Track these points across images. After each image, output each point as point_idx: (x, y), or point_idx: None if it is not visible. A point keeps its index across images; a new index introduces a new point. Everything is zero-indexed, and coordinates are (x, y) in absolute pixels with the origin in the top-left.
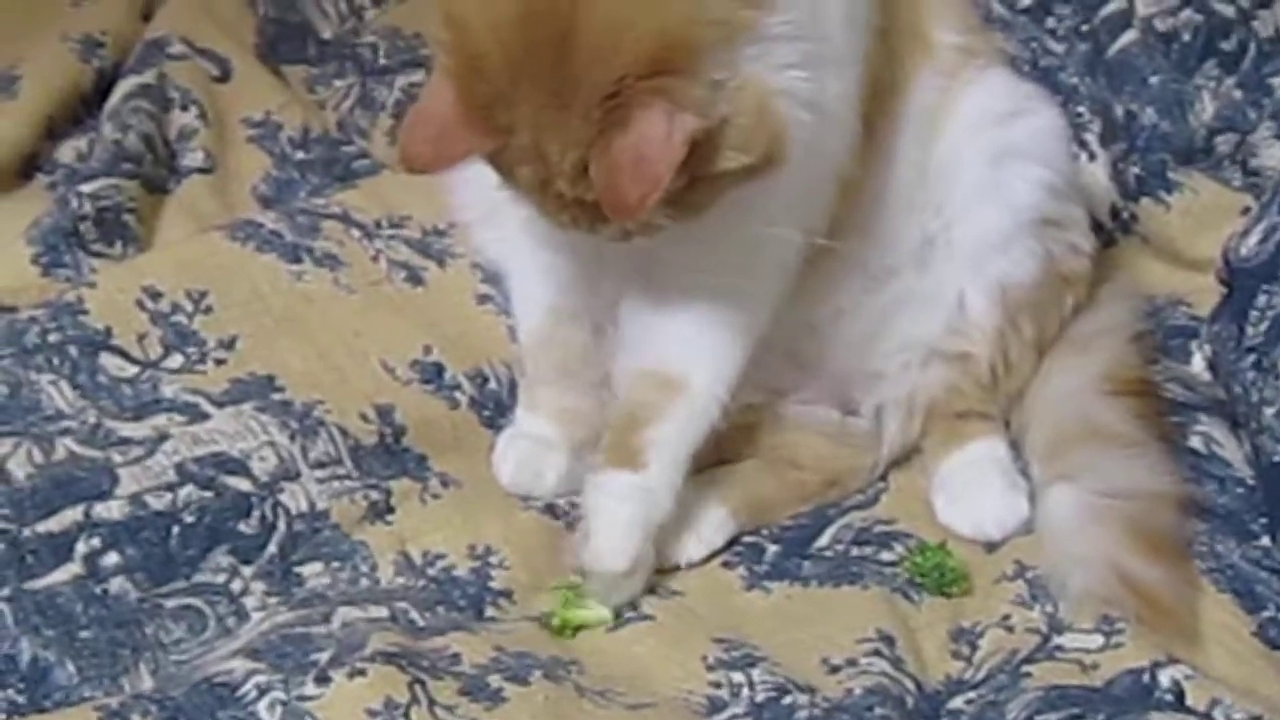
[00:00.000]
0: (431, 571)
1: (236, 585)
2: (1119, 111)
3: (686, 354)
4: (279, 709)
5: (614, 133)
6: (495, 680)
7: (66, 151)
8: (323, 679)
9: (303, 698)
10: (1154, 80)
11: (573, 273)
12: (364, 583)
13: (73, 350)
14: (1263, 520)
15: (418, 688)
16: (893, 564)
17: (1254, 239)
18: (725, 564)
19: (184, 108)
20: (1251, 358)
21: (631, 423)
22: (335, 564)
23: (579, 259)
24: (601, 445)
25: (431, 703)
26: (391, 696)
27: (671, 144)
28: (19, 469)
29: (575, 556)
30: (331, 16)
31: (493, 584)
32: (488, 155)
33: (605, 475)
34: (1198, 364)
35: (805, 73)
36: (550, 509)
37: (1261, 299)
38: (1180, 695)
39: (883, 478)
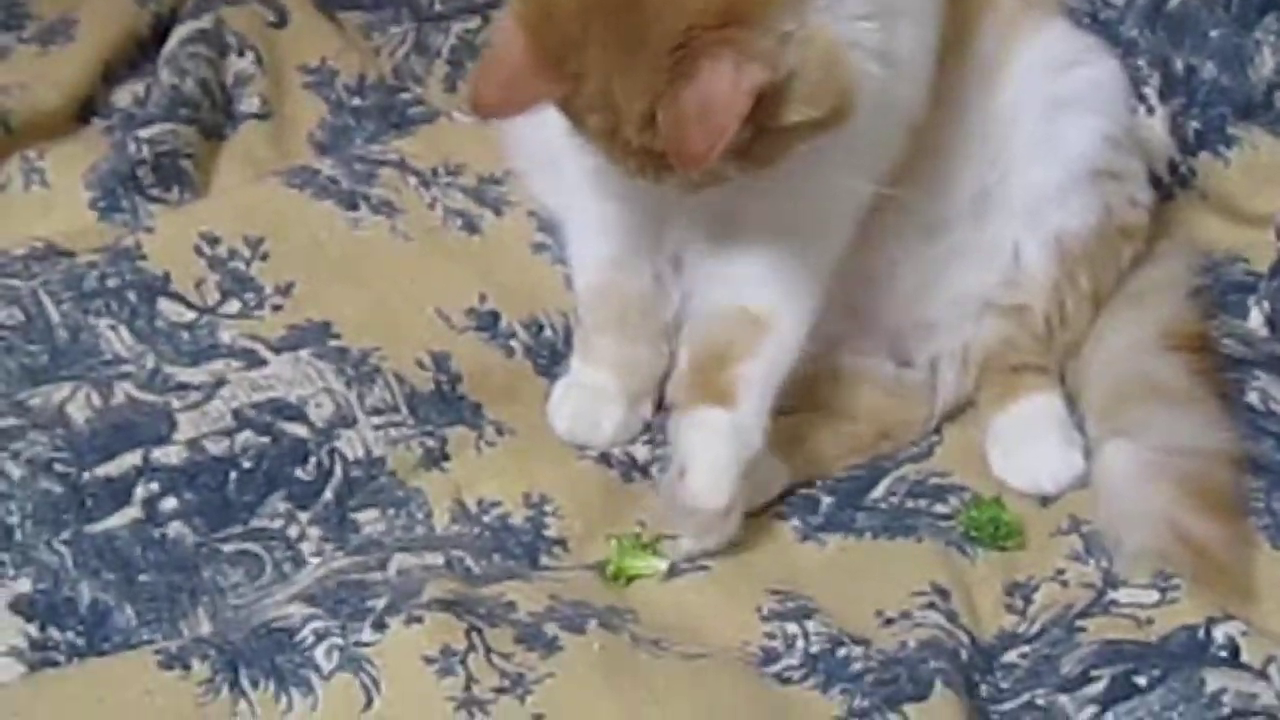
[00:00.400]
0: (486, 519)
1: (293, 531)
2: (1178, 65)
3: (769, 292)
4: (336, 654)
5: (681, 83)
6: (551, 629)
7: (123, 96)
8: (379, 625)
9: (360, 644)
10: (1214, 34)
11: (632, 223)
12: (419, 530)
13: (131, 295)
14: None
15: (474, 635)
16: (947, 517)
17: None
18: (780, 515)
19: (240, 53)
20: None
21: (719, 360)
22: (391, 511)
23: (640, 209)
24: (685, 383)
25: (488, 650)
26: (449, 644)
27: (738, 95)
28: (78, 413)
29: (665, 499)
30: None
31: (548, 532)
32: (558, 102)
33: (698, 413)
34: (1255, 320)
35: (876, 24)
36: (605, 458)
37: None
38: (1235, 651)
39: (937, 430)
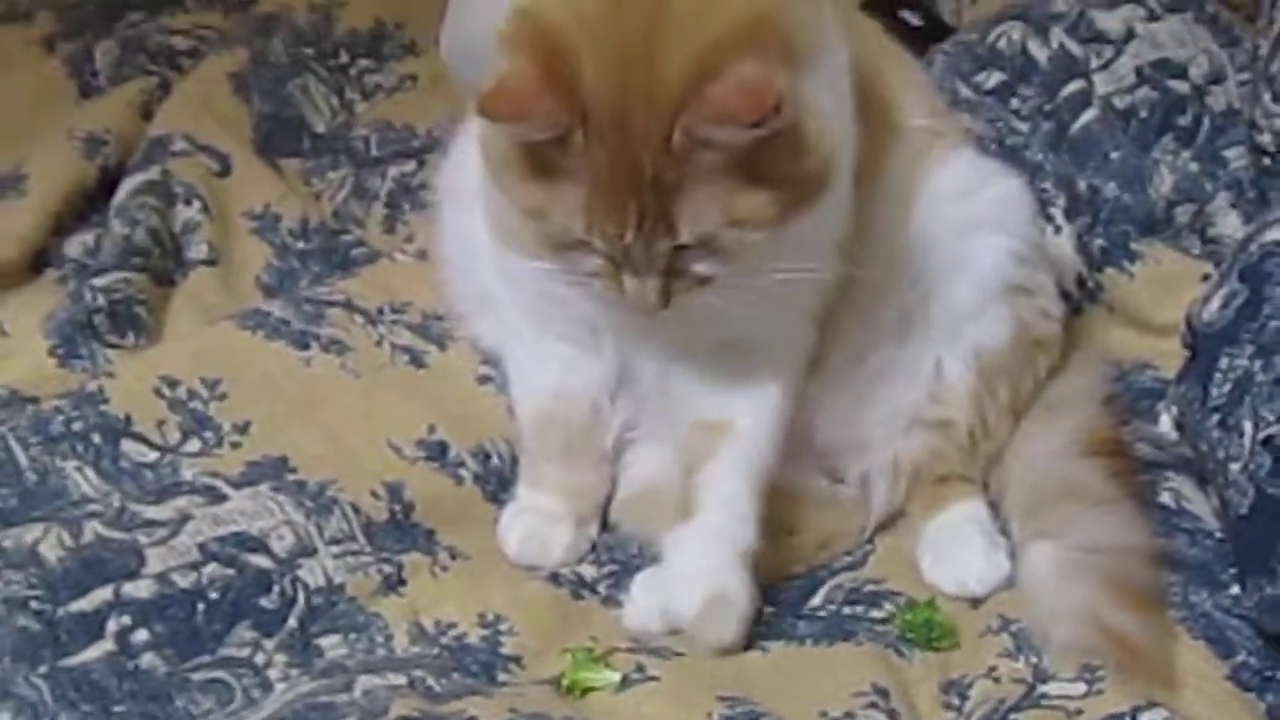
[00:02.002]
0: (444, 640)
1: (260, 658)
2: (1082, 186)
3: (727, 401)
4: None
5: (707, 86)
6: None
7: (74, 246)
8: None
9: None
10: (1115, 155)
11: (570, 357)
12: (380, 652)
13: (96, 437)
14: (1231, 571)
15: None
16: (883, 621)
17: (1215, 304)
18: None
19: (187, 202)
20: (1216, 417)
21: (686, 474)
22: (353, 635)
23: (577, 343)
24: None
25: None
26: None
27: (771, 80)
28: (50, 552)
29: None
30: (324, 111)
31: (503, 650)
32: (561, 133)
33: (675, 531)
34: (1165, 424)
35: (838, 125)
36: (554, 578)
37: (1224, 361)
38: None
39: (870, 540)
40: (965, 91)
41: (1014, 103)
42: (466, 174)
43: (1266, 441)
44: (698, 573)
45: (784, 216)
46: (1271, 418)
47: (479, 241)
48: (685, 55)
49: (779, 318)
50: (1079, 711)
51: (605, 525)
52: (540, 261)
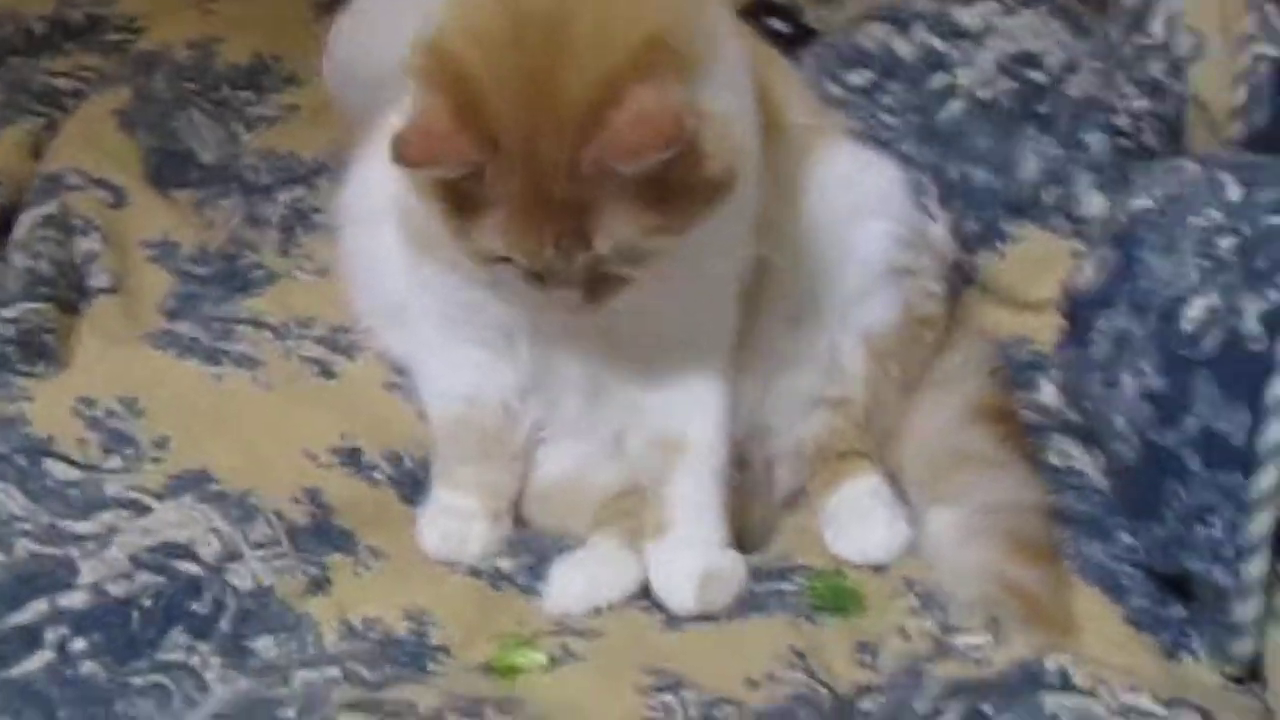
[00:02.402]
0: (373, 635)
1: (195, 661)
2: (953, 174)
3: (671, 408)
4: None
5: (609, 112)
6: (453, 718)
7: None
8: None
9: None
10: (982, 143)
11: (480, 360)
12: (311, 650)
13: (20, 459)
14: (1120, 521)
15: None
16: (794, 594)
17: (1090, 271)
18: (643, 609)
19: (85, 233)
20: (1098, 375)
21: (650, 497)
22: (284, 635)
23: (487, 347)
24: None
25: None
26: None
27: (670, 107)
28: None
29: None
30: (210, 143)
31: (430, 641)
32: (475, 169)
33: (648, 548)
34: (1046, 393)
35: (742, 110)
36: (474, 572)
37: (1102, 322)
38: (1066, 678)
39: (773, 520)
40: (835, 90)
41: (882, 98)
42: (367, 195)
43: (1147, 393)
44: (686, 558)
45: (694, 220)
46: (1150, 371)
47: (385, 256)
48: (585, 84)
49: (702, 304)
50: (987, 660)
51: (518, 521)
52: (462, 272)
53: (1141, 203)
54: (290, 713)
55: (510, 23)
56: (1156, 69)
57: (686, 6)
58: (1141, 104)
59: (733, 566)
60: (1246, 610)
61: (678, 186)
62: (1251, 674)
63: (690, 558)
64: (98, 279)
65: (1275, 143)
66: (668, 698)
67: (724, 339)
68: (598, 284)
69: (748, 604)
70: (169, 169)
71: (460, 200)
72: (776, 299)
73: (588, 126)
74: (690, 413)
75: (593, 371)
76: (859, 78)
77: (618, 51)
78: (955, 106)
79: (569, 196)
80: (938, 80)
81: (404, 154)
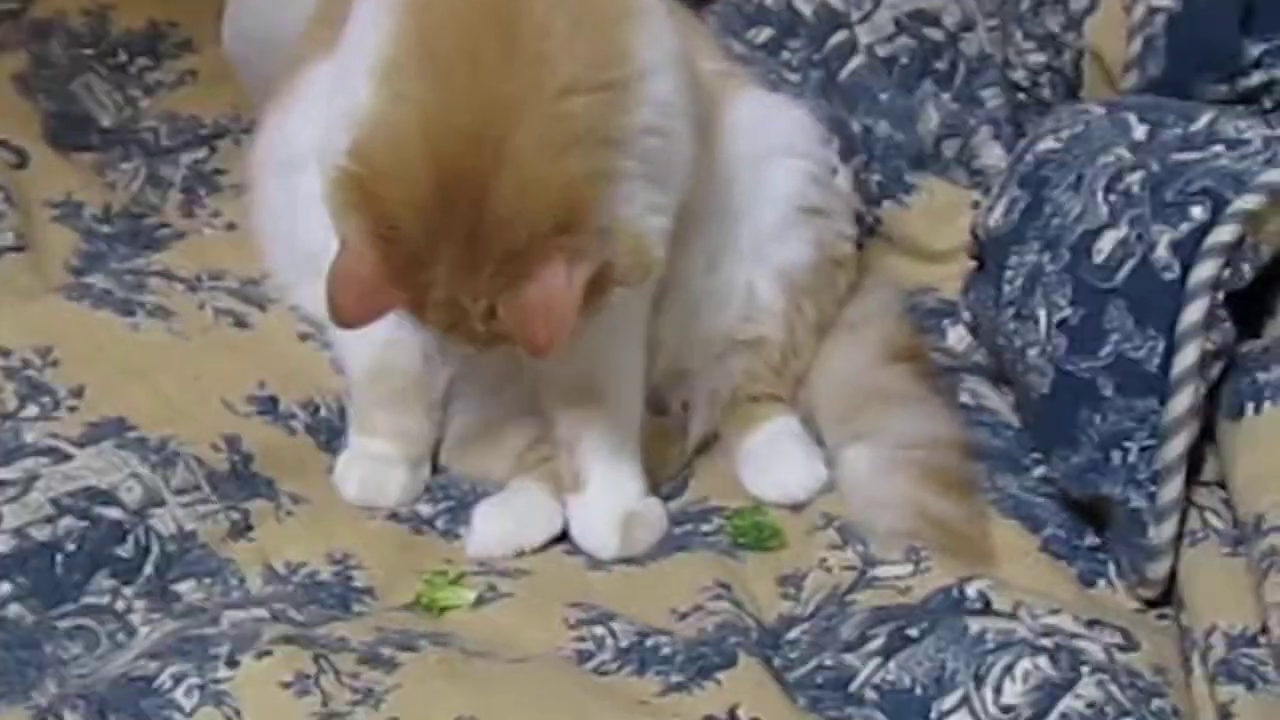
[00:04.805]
0: (296, 579)
1: (120, 605)
2: (856, 127)
3: (584, 360)
4: (196, 693)
5: (521, 284)
6: (387, 650)
7: None
8: (232, 663)
9: (217, 680)
10: (883, 97)
11: None
12: (236, 595)
13: None
14: (1033, 456)
15: (322, 660)
16: (714, 534)
17: (999, 212)
18: (567, 552)
19: None
20: (1011, 310)
21: (565, 449)
22: (208, 580)
23: None
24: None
25: (336, 672)
26: (300, 670)
27: (572, 291)
28: None
29: None
30: (109, 106)
31: (355, 584)
32: (405, 306)
33: (568, 500)
34: (953, 338)
35: (660, 192)
36: (394, 516)
37: (1013, 259)
38: (988, 602)
39: (687, 465)
40: (738, 47)
41: (784, 55)
42: (285, 145)
43: (1061, 324)
44: (606, 509)
45: (608, 303)
46: (1063, 303)
47: (303, 207)
48: (503, 249)
49: None
50: (909, 588)
51: (435, 469)
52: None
53: (1048, 145)
54: (223, 649)
55: (434, 169)
56: (1053, 23)
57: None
58: (1038, 58)
59: (653, 513)
60: (1162, 532)
61: (594, 296)
62: (1164, 599)
63: (610, 508)
64: (3, 238)
65: (1169, 93)
66: (598, 629)
67: (641, 295)
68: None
69: (670, 545)
70: (69, 132)
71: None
72: (694, 241)
73: (502, 287)
74: (605, 364)
75: None
76: (761, 35)
77: (535, 222)
78: (856, 62)
79: (486, 332)
80: (838, 37)
81: (340, 315)
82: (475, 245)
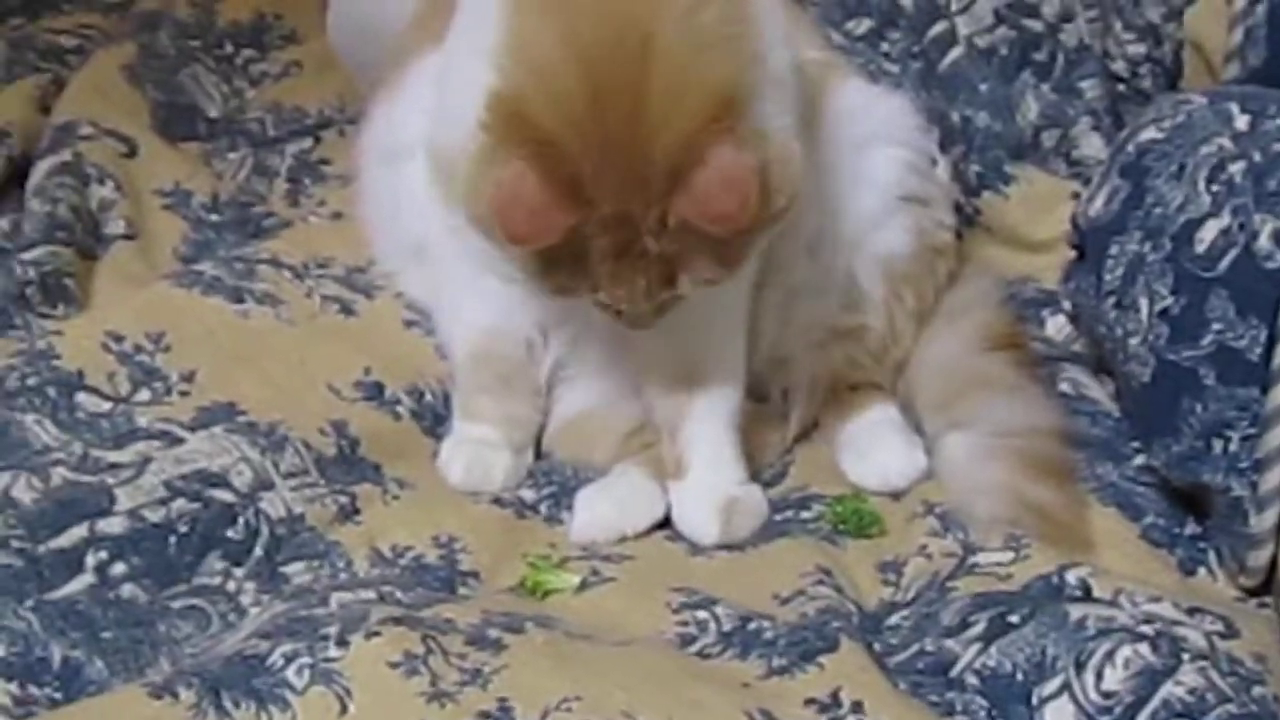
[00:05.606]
0: (403, 562)
1: (231, 586)
2: (955, 118)
3: (689, 349)
4: (307, 671)
5: (692, 174)
6: (494, 633)
7: None
8: (342, 643)
9: (327, 659)
10: (983, 88)
11: (510, 294)
12: (344, 576)
13: (51, 391)
14: (1133, 445)
15: (430, 641)
16: (814, 521)
17: (1100, 201)
18: (668, 538)
19: (101, 181)
20: (1112, 299)
21: (668, 436)
22: (315, 562)
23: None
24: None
25: (445, 653)
26: (409, 650)
27: (747, 169)
28: (24, 495)
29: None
30: (215, 97)
31: (461, 566)
32: (571, 230)
33: (670, 486)
34: (1052, 328)
35: (787, 117)
36: (498, 501)
37: (1114, 249)
38: (1088, 589)
39: (789, 451)
40: (838, 38)
41: (884, 46)
42: (391, 135)
43: (1162, 313)
44: (708, 496)
45: (762, 244)
46: (1165, 292)
47: (408, 196)
48: (667, 147)
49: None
50: (1010, 575)
51: (538, 454)
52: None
53: (1150, 135)
54: (332, 629)
55: (584, 83)
56: (1153, 14)
57: (745, 42)
58: (1138, 49)
59: (754, 499)
60: (1263, 520)
61: (755, 223)
62: (1264, 588)
63: (712, 495)
64: (114, 226)
65: (1270, 83)
66: (700, 613)
67: (743, 279)
68: (664, 305)
69: (771, 531)
70: (177, 122)
71: (548, 251)
72: (794, 230)
73: (673, 187)
74: (706, 350)
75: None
76: (860, 27)
77: (694, 115)
78: (956, 53)
79: (659, 249)
80: (938, 28)
81: (510, 233)
82: (637, 153)
